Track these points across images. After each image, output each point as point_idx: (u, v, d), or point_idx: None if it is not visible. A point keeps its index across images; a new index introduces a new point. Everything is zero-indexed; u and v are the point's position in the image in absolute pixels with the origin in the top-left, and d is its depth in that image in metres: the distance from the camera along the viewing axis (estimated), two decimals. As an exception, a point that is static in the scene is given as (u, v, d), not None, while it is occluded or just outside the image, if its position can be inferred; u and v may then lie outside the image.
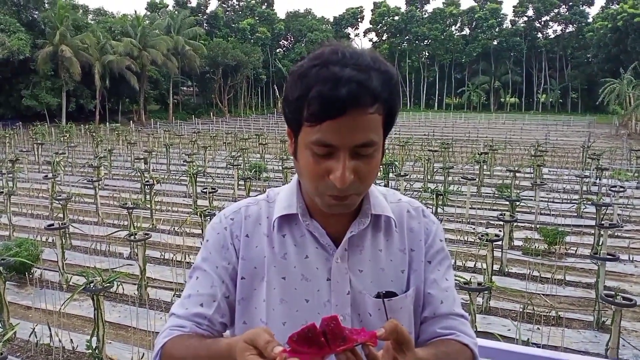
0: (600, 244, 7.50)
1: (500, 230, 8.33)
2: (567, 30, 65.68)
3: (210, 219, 1.18)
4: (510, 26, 68.22)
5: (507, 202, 9.69)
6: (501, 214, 8.28)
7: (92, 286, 4.96)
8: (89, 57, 38.09)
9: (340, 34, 73.32)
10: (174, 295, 6.29)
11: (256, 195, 1.23)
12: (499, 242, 7.24)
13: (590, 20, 62.83)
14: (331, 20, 75.59)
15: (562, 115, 52.77)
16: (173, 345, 1.02)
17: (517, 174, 13.47)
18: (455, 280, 5.33)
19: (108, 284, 5.11)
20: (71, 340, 5.37)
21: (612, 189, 11.13)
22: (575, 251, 8.40)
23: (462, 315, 1.15)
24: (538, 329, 5.58)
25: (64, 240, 7.57)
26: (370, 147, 0.96)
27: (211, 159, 19.38)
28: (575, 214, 10.95)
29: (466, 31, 70.76)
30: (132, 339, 5.34)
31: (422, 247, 1.15)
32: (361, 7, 75.24)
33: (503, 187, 12.86)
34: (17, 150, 21.35)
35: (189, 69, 48.80)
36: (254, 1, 69.67)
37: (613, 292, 4.96)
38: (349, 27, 76.00)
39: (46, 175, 12.69)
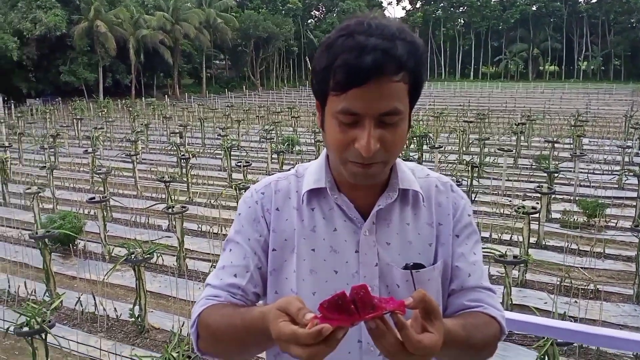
0: (642, 216, 7.30)
1: (537, 203, 8.18)
2: (611, -7, 62.79)
3: (245, 192, 1.24)
4: (550, -10, 65.61)
5: (545, 174, 9.48)
6: (539, 186, 8.11)
7: (133, 257, 5.13)
8: (124, 32, 38.50)
9: (372, 3, 71.88)
10: (211, 266, 6.44)
11: (288, 169, 1.25)
12: (536, 215, 7.11)
13: (635, -18, 59.81)
14: (364, -12, 74.15)
15: (604, 84, 50.80)
16: (209, 314, 1.06)
17: (556, 145, 13.13)
18: (491, 252, 5.29)
19: (148, 255, 5.28)
20: (115, 309, 5.59)
21: (655, 159, 10.76)
22: (616, 224, 8.19)
23: (489, 289, 1.16)
24: (575, 302, 5.50)
25: (105, 213, 7.83)
26: (396, 115, 0.97)
27: (244, 132, 19.51)
28: (617, 186, 10.63)
29: (503, -4, 68.44)
30: (172, 308, 5.52)
31: (450, 221, 1.15)
32: (394, -26, 73.50)
33: (541, 158, 12.57)
34: (57, 126, 21.94)
35: (221, 42, 48.81)
36: (284, -29, 68.82)
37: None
38: (381, -5, 74.45)
39: (86, 150, 13.06)
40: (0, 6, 36.31)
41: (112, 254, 7.18)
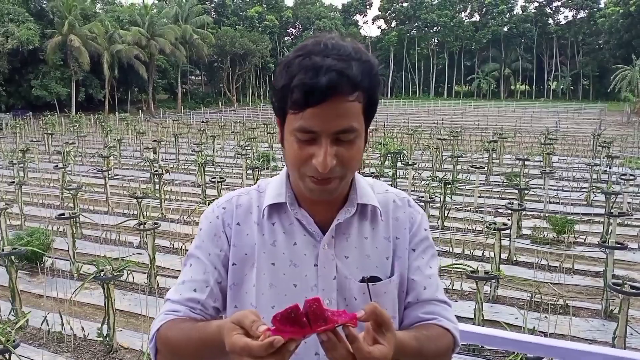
0: (609, 232, 7.47)
1: (508, 219, 8.31)
2: (579, 16, 64.83)
3: (207, 207, 1.26)
4: (520, 12, 67.44)
5: (516, 191, 9.64)
6: (509, 203, 8.25)
7: (102, 275, 5.02)
8: (98, 47, 38.19)
9: (348, 22, 72.83)
10: (183, 284, 6.34)
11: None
12: (507, 231, 7.22)
13: (602, 5, 61.85)
14: (339, 7, 75.13)
15: (573, 103, 52.31)
16: (167, 328, 1.07)
17: (527, 163, 13.40)
18: (463, 268, 5.34)
19: (118, 273, 5.18)
20: (82, 328, 5.45)
21: (622, 177, 11.04)
22: (584, 240, 8.37)
23: (444, 302, 1.18)
24: (545, 317, 5.58)
25: (74, 230, 7.66)
26: (351, 133, 1.00)
27: (220, 148, 19.43)
28: (585, 203, 10.89)
29: (476, 17, 70.12)
30: (142, 327, 5.41)
31: (406, 235, 1.18)
32: (370, -7, 74.64)
33: (512, 175, 12.80)
34: (27, 140, 21.54)
35: (197, 58, 48.80)
36: (261, -11, 69.34)
37: (621, 281, 4.95)
38: (357, 14, 75.53)
39: (56, 165, 12.81)
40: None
41: (81, 272, 7.02)
